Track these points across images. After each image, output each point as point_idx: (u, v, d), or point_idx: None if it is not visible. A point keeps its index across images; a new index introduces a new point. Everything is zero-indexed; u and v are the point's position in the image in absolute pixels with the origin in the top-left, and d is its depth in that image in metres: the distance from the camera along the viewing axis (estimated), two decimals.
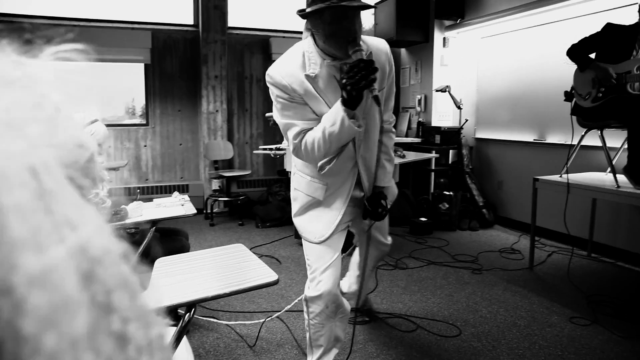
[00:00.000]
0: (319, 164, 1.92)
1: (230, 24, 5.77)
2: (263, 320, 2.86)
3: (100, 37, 5.22)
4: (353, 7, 1.68)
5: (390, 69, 1.98)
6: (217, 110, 5.63)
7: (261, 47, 5.99)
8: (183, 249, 2.55)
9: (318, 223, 1.98)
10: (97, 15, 5.35)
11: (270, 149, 4.72)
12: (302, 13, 1.80)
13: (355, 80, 1.61)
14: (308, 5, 1.77)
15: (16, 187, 0.21)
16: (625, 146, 3.35)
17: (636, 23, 3.23)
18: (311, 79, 1.78)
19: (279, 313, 2.97)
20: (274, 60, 6.01)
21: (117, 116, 5.82)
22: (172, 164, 5.70)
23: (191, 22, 5.72)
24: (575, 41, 3.43)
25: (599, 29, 3.34)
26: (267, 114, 5.15)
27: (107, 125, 3.19)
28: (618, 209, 4.08)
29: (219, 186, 5.68)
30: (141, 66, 5.58)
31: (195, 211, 2.55)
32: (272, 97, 1.87)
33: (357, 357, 2.49)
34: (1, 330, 0.19)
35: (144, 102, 5.69)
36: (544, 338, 2.71)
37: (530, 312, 3.05)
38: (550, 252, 4.31)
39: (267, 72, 1.85)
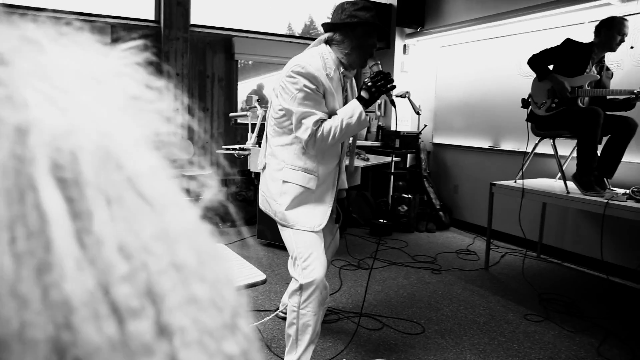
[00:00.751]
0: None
1: (193, 21, 5.69)
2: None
3: (54, 29, 5.00)
4: (382, 27, 2.06)
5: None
6: (177, 109, 5.51)
7: (224, 46, 5.93)
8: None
9: (314, 215, 2.13)
10: (51, 5, 5.13)
11: (234, 149, 4.69)
12: (336, 22, 2.05)
13: (378, 86, 2.00)
14: (340, 17, 2.04)
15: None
16: (575, 155, 3.58)
17: (591, 42, 3.46)
18: (329, 78, 2.03)
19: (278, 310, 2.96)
20: (236, 60, 5.98)
21: None
22: None
23: (152, 18, 5.59)
24: (536, 52, 3.62)
25: (559, 43, 3.54)
26: (230, 114, 5.11)
27: None
28: (565, 214, 4.35)
29: None
30: None
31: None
32: (295, 87, 1.99)
33: (327, 355, 2.53)
34: None
35: None
36: (502, 334, 2.86)
37: (488, 310, 3.21)
38: (503, 253, 4.53)
39: (297, 63, 2.00)
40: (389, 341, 2.72)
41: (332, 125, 1.99)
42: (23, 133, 0.19)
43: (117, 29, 5.35)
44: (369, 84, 2.01)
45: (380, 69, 2.06)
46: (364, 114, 2.00)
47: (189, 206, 0.26)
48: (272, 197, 2.18)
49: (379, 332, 2.84)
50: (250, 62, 6.40)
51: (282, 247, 4.39)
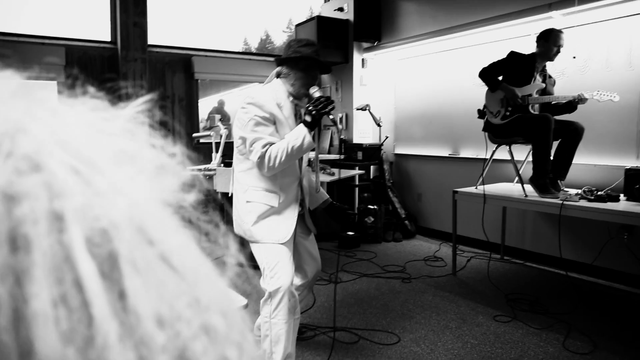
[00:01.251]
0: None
1: (151, 41, 5.64)
2: None
3: (7, 52, 4.87)
4: (323, 63, 2.33)
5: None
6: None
7: (183, 65, 5.91)
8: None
9: (277, 229, 2.30)
10: (4, 28, 4.99)
11: (199, 170, 4.66)
12: (283, 57, 2.29)
13: (318, 108, 2.17)
14: (287, 53, 2.29)
15: None
16: (530, 159, 3.77)
17: (533, 53, 3.68)
18: (280, 108, 2.26)
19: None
20: (197, 80, 5.95)
21: None
22: None
23: (108, 39, 5.51)
24: (485, 65, 3.82)
25: (505, 56, 3.76)
26: (193, 135, 5.08)
27: None
28: (524, 215, 4.55)
29: None
30: (54, 84, 5.27)
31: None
32: (247, 116, 2.21)
33: None
34: None
35: None
36: (474, 337, 2.96)
37: (459, 314, 3.31)
38: (469, 257, 4.68)
39: (248, 95, 2.25)
40: (366, 353, 2.77)
41: (280, 147, 2.16)
42: (60, 218, 0.21)
43: (73, 51, 5.25)
44: (310, 108, 2.18)
45: (321, 94, 2.26)
46: (308, 136, 2.16)
47: (217, 277, 0.28)
48: (240, 217, 2.35)
49: (356, 345, 2.89)
50: (208, 80, 6.39)
51: (252, 267, 4.38)
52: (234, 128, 2.34)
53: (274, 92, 2.28)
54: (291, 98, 2.30)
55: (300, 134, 2.15)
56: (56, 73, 5.17)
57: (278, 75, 2.35)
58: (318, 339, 2.95)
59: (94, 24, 5.51)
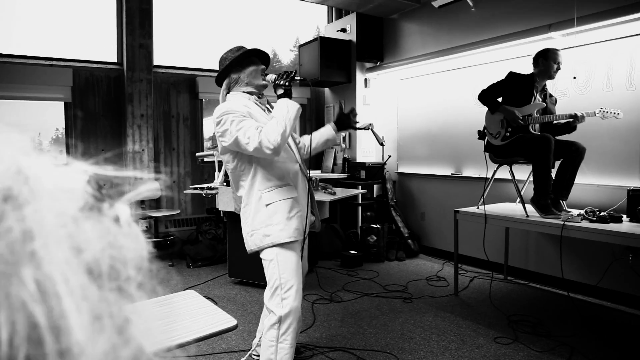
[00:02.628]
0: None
1: (156, 62, 5.74)
2: None
3: (17, 73, 4.97)
4: (259, 50, 2.46)
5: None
6: (143, 150, 5.51)
7: (188, 86, 5.99)
8: None
9: (295, 223, 2.33)
10: (13, 51, 5.10)
11: (202, 189, 4.69)
12: (226, 67, 2.39)
13: (284, 78, 2.31)
14: (228, 62, 2.38)
15: None
16: (531, 179, 3.76)
17: (532, 73, 3.70)
18: (249, 110, 2.29)
19: (251, 350, 2.93)
20: (201, 99, 6.02)
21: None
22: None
23: (115, 60, 5.62)
24: (485, 87, 3.84)
25: (504, 77, 3.78)
26: (197, 154, 5.13)
27: None
28: (528, 235, 4.51)
29: (146, 227, 5.51)
30: (59, 105, 5.36)
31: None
32: (227, 122, 2.19)
33: None
34: None
35: (61, 140, 5.45)
36: (474, 359, 2.92)
37: (459, 336, 3.27)
38: (472, 277, 4.64)
39: (218, 110, 2.25)
40: None
41: (271, 123, 2.18)
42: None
43: (80, 72, 5.35)
44: (280, 83, 2.31)
45: (277, 75, 2.37)
46: (290, 101, 2.26)
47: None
48: (263, 226, 2.29)
49: None
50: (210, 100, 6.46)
51: (254, 285, 4.37)
52: (220, 148, 2.33)
53: (238, 101, 2.32)
54: (253, 98, 2.39)
55: (284, 104, 2.23)
56: (64, 94, 5.26)
57: (228, 91, 2.44)
58: (316, 359, 2.92)
59: (100, 45, 5.62)
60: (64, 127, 5.44)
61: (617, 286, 3.82)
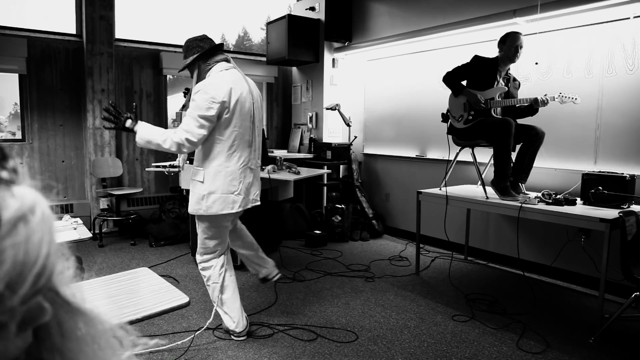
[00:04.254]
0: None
1: (118, 35, 5.53)
2: (185, 340, 2.79)
3: None
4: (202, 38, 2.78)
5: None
6: (103, 126, 5.34)
7: (151, 61, 5.81)
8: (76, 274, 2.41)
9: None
10: None
11: (164, 167, 4.60)
12: (197, 54, 2.69)
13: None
14: (199, 49, 2.69)
15: None
16: (492, 162, 3.84)
17: (496, 57, 3.75)
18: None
19: (203, 328, 2.91)
20: (165, 75, 5.86)
21: None
22: (53, 182, 5.28)
23: (74, 32, 5.38)
24: (450, 69, 3.87)
25: (469, 60, 3.81)
26: None
27: None
28: (488, 217, 4.62)
29: (108, 205, 5.37)
30: (15, 77, 5.12)
31: (90, 235, 2.43)
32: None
33: None
34: None
35: (19, 115, 5.23)
36: (431, 336, 2.99)
37: (418, 314, 3.34)
38: (433, 257, 4.74)
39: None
40: (323, 351, 2.77)
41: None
42: None
43: (35, 43, 5.11)
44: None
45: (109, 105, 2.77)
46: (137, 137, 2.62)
47: None
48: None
49: (313, 343, 2.88)
50: (176, 77, 6.31)
51: None
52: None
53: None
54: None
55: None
56: (17, 65, 5.03)
57: (199, 72, 2.73)
58: (277, 337, 2.94)
59: (58, 15, 5.37)
60: (18, 100, 5.21)
61: (570, 266, 3.98)
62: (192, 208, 2.70)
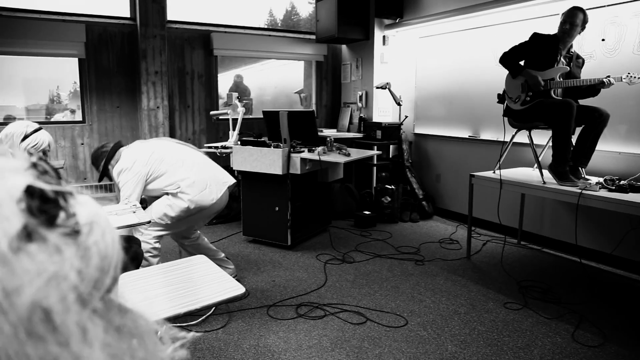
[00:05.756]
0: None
1: (170, 17, 5.64)
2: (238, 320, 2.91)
3: (30, 29, 4.94)
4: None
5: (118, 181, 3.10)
6: (158, 107, 5.50)
7: (202, 42, 5.90)
8: (137, 257, 2.53)
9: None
10: (25, 5, 5.05)
11: (216, 147, 4.71)
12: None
13: None
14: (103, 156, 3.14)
15: None
16: (550, 144, 3.67)
17: (556, 34, 3.54)
18: None
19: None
20: (216, 56, 5.94)
21: (40, 105, 5.62)
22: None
23: (128, 15, 5.53)
24: (507, 49, 3.70)
25: (527, 39, 3.62)
26: (211, 112, 5.11)
27: (42, 124, 3.18)
28: (544, 201, 4.46)
29: None
30: (75, 61, 5.34)
31: (149, 219, 2.53)
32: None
33: (312, 352, 2.61)
34: None
35: (78, 93, 5.48)
36: (483, 323, 2.96)
37: (469, 300, 3.30)
38: (485, 241, 4.64)
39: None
40: (372, 335, 2.80)
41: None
42: None
43: (93, 28, 5.29)
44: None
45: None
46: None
47: None
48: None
49: (362, 326, 2.92)
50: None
51: (267, 244, 4.44)
52: None
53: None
54: None
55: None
56: (77, 50, 5.23)
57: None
58: (327, 319, 2.99)
59: (112, 0, 5.52)
60: (78, 83, 5.44)
61: (632, 255, 3.79)
62: None
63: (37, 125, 2.49)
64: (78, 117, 5.53)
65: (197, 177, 3.16)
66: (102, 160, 3.11)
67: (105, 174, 3.16)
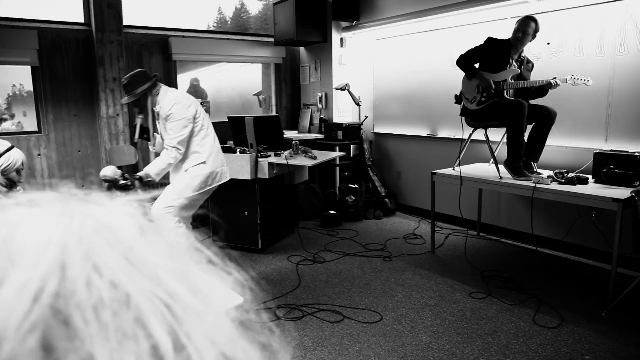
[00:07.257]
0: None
1: (126, 22, 5.53)
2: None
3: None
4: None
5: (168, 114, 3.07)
6: (117, 114, 5.40)
7: (160, 47, 5.82)
8: None
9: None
10: None
11: None
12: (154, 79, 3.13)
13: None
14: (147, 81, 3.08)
15: None
16: (505, 141, 3.92)
17: (509, 39, 3.79)
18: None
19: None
20: (174, 61, 5.87)
21: None
22: (71, 172, 5.38)
23: (82, 20, 5.39)
24: (463, 51, 3.91)
25: (482, 42, 3.85)
26: None
27: None
28: (500, 194, 4.73)
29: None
30: (28, 69, 5.16)
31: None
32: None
33: (295, 352, 2.70)
34: None
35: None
36: (452, 314, 3.15)
37: (437, 292, 3.50)
38: (447, 234, 4.87)
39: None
40: (351, 332, 2.93)
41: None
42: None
43: (46, 34, 5.13)
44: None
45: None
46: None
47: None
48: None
49: (340, 324, 3.04)
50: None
51: (238, 247, 4.47)
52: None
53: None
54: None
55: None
56: (30, 57, 5.06)
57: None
58: (305, 319, 3.09)
59: (66, 4, 5.36)
60: (32, 91, 5.26)
61: (581, 240, 4.11)
62: None
63: (8, 144, 2.45)
64: (28, 124, 5.35)
65: (220, 154, 3.34)
66: (145, 85, 2.90)
67: (138, 102, 2.97)
